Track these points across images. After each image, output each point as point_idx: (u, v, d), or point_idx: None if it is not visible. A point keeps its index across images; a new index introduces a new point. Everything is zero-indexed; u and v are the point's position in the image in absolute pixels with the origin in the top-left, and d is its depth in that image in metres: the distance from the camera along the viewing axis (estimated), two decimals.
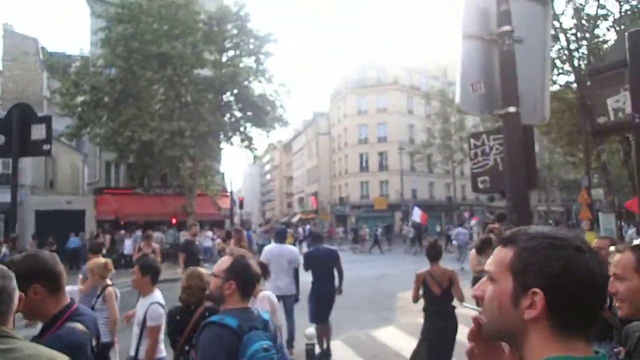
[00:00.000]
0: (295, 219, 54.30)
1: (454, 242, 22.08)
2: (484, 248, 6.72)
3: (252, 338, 2.12)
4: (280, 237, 6.69)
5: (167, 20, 21.64)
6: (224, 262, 2.35)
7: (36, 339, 1.89)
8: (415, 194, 45.92)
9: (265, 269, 4.83)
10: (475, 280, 5.31)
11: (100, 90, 21.91)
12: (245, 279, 2.31)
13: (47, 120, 5.52)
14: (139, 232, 24.23)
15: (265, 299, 4.22)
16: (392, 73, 49.60)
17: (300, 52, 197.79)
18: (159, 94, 23.50)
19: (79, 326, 2.00)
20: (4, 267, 1.67)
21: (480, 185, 3.40)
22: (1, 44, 39.67)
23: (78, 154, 32.10)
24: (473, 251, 7.25)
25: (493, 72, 3.17)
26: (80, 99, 22.51)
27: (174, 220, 25.62)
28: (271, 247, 6.54)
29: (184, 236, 18.92)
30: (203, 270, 3.66)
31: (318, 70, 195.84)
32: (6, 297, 1.62)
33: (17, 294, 1.65)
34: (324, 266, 6.50)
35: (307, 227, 34.17)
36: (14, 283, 1.66)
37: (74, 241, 21.65)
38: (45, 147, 5.39)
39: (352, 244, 30.49)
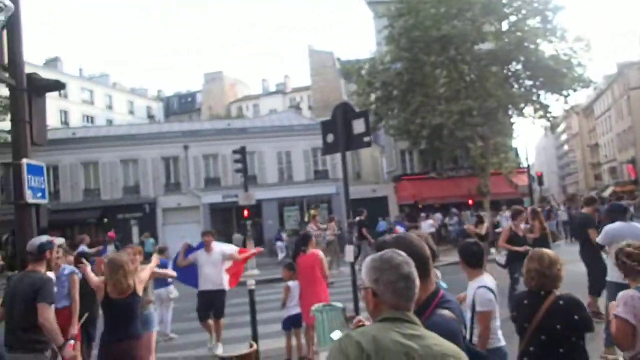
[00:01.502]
0: (607, 193, 46.72)
1: None
2: None
3: None
4: (622, 213, 5.67)
5: (444, 2, 21.60)
6: None
7: None
8: None
9: None
10: None
11: (390, 85, 23.60)
12: None
13: (365, 115, 6.13)
14: (438, 215, 25.03)
15: None
16: None
17: None
18: (443, 78, 23.72)
19: (449, 314, 1.95)
20: (404, 253, 1.73)
21: None
22: (309, 63, 47.40)
23: (376, 146, 35.37)
24: None
25: None
26: (374, 96, 24.76)
27: (470, 202, 25.47)
28: (618, 226, 5.49)
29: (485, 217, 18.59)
30: (549, 252, 3.28)
31: (622, 12, 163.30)
32: (411, 283, 1.67)
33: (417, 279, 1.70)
34: None
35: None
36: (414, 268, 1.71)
37: (382, 225, 23.88)
38: (366, 139, 5.97)
39: None
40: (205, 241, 7.32)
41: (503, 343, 3.60)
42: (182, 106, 66.63)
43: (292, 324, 6.26)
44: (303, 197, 29.26)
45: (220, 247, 7.51)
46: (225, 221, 28.32)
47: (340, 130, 6.15)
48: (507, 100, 22.28)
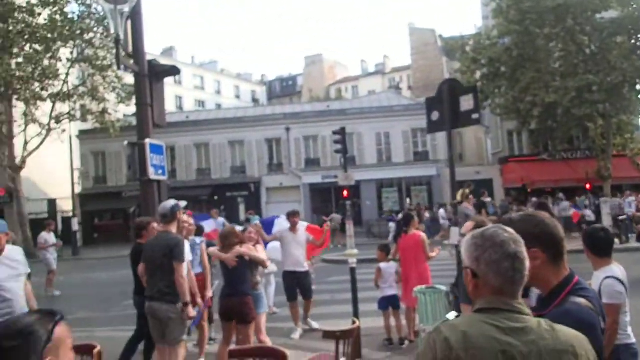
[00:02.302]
0: None
1: None
2: None
3: None
4: None
5: None
6: None
7: (537, 312, 1.65)
8: None
9: None
10: None
11: (497, 61, 22.18)
12: None
13: (473, 90, 5.82)
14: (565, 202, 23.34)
15: None
16: None
17: None
18: (558, 51, 21.78)
19: (585, 302, 1.71)
20: (511, 230, 1.53)
21: None
22: (409, 41, 46.16)
23: (480, 126, 33.67)
24: None
25: None
26: (479, 73, 23.46)
27: (588, 186, 23.33)
28: None
29: (605, 203, 16.98)
30: None
31: None
32: (519, 264, 1.46)
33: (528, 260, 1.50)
34: None
35: None
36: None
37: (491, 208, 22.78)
38: (474, 116, 5.66)
39: None
40: (292, 221, 7.38)
41: (633, 340, 3.24)
42: (283, 89, 68.60)
43: (388, 304, 6.23)
44: (401, 178, 28.84)
45: (303, 228, 7.60)
46: (324, 201, 28.90)
47: (446, 107, 5.91)
48: (635, 74, 19.96)
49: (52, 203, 27.79)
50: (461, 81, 23.62)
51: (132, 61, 5.87)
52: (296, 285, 7.23)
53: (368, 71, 63.17)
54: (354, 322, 4.18)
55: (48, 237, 12.27)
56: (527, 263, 1.49)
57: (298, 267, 7.23)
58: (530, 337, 1.37)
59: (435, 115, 6.04)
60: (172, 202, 4.65)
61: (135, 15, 5.92)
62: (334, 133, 18.69)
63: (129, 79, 23.06)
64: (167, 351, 4.49)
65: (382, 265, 6.31)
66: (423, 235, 6.29)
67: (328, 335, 4.04)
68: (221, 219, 14.41)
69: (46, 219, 19.82)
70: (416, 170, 28.60)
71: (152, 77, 5.97)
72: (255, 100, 56.87)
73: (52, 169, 27.54)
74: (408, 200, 28.16)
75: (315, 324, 7.25)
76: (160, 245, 4.45)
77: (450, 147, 6.17)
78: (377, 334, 6.44)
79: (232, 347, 4.70)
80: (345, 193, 19.64)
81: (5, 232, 3.82)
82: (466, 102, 5.60)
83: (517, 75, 21.54)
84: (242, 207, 28.38)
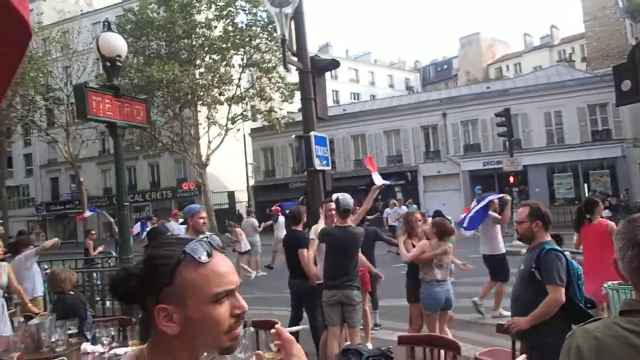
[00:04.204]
0: None
1: None
2: None
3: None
4: None
5: None
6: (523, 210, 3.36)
7: None
8: None
9: None
10: None
11: None
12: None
13: None
14: None
15: None
16: None
17: None
18: None
19: None
20: None
21: None
22: (581, 7, 40.82)
23: None
24: None
25: None
26: None
27: None
28: None
29: None
30: None
31: None
32: None
33: None
34: None
35: None
36: None
37: None
38: None
39: None
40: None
41: None
42: (437, 74, 66.48)
43: None
44: (577, 161, 25.76)
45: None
46: (486, 189, 27.29)
47: None
48: None
49: (231, 195, 31.25)
50: None
51: (295, 59, 6.24)
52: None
53: (532, 45, 57.62)
54: None
55: (254, 221, 13.92)
56: None
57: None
58: None
59: (626, 85, 5.21)
60: (349, 198, 4.91)
61: (297, 15, 6.28)
62: (497, 115, 17.66)
63: (291, 78, 24.80)
64: (344, 333, 4.96)
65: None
66: (611, 223, 5.53)
67: (501, 329, 3.80)
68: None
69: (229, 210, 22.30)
70: (595, 152, 25.27)
71: (314, 72, 6.27)
72: (409, 88, 56.15)
73: (230, 165, 30.96)
74: (586, 186, 25.11)
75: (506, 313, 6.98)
76: (349, 236, 4.79)
77: None
78: None
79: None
80: (511, 179, 18.46)
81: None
82: None
83: None
84: (399, 196, 28.38)
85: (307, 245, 5.28)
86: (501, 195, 7.61)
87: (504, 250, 7.63)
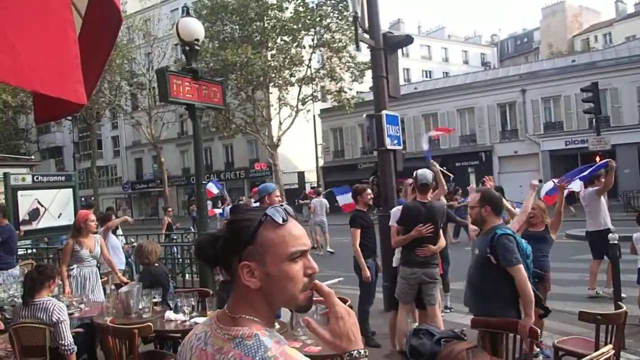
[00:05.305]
0: None
1: None
2: None
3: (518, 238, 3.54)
4: None
5: None
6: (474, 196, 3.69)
7: None
8: None
9: None
10: None
11: None
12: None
13: None
14: None
15: None
16: None
17: None
18: None
19: None
20: None
21: None
22: None
23: None
24: None
25: None
26: None
27: None
28: None
29: None
30: None
31: None
32: None
33: None
34: None
35: None
36: None
37: None
38: None
39: None
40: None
41: None
42: (517, 48, 62.73)
43: None
44: None
45: None
46: (569, 170, 25.62)
47: None
48: None
49: (300, 175, 31.74)
50: None
51: (367, 36, 6.15)
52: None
53: (626, 13, 52.60)
54: (618, 307, 3.61)
55: (325, 201, 15.74)
56: None
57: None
58: None
59: None
60: (429, 172, 4.80)
61: None
62: (582, 91, 16.48)
63: (361, 57, 24.51)
64: (423, 312, 4.95)
65: (636, 235, 5.67)
66: None
67: (585, 317, 3.59)
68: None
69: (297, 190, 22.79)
70: None
71: (387, 49, 6.15)
72: (485, 64, 53.54)
73: (300, 145, 31.38)
74: None
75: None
76: (429, 211, 4.66)
77: None
78: None
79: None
80: (597, 159, 17.16)
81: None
82: None
83: None
84: (472, 178, 27.40)
85: (357, 225, 5.42)
86: (607, 160, 6.90)
87: (609, 226, 6.98)
